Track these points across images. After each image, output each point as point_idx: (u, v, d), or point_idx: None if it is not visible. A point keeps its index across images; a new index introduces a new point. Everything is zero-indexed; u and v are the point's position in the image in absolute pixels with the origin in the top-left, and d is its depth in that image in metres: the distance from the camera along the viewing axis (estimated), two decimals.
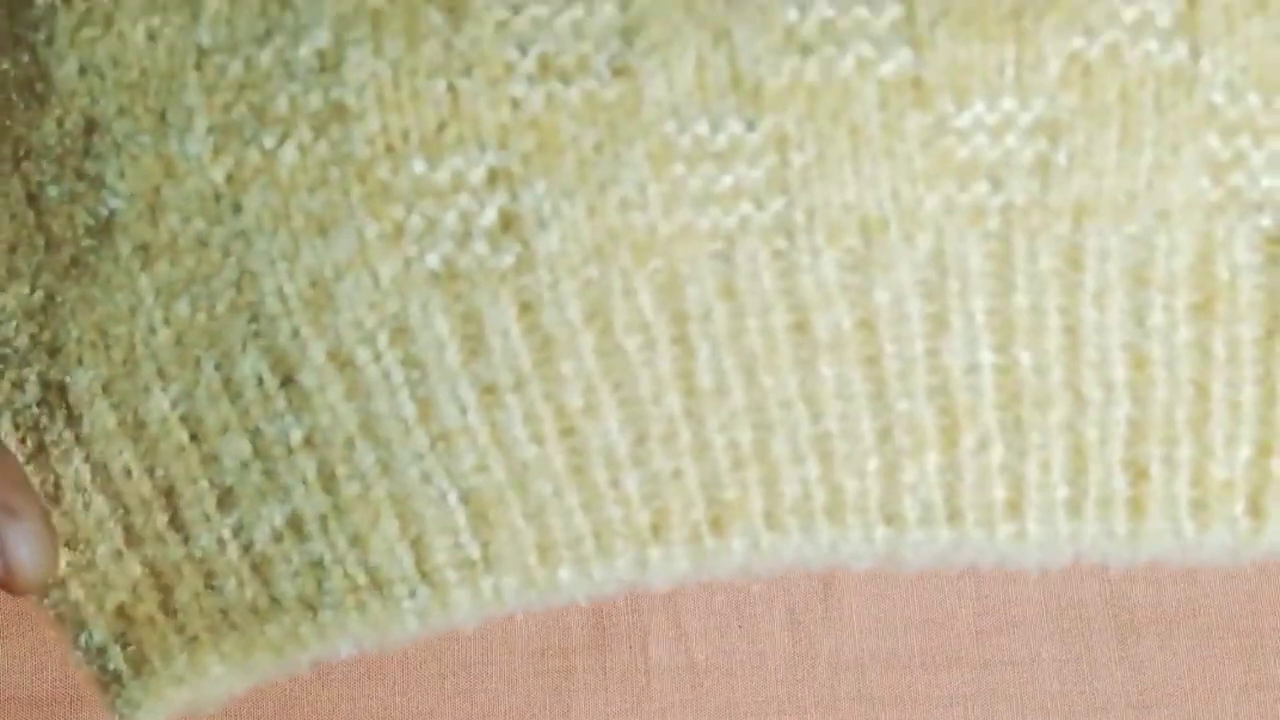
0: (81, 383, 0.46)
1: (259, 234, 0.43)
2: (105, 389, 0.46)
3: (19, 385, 0.47)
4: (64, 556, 0.48)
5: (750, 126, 0.43)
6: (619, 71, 0.42)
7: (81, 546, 0.48)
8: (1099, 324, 0.44)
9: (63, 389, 0.47)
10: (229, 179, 0.43)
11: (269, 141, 0.43)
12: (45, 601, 0.49)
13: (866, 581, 0.53)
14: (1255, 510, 0.45)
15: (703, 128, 0.42)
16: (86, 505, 0.48)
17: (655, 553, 0.46)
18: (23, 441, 0.48)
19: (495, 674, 0.53)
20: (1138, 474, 0.45)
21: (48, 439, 0.47)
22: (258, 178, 0.43)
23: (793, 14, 0.42)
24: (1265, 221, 0.43)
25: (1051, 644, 0.53)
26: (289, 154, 0.43)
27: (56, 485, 0.47)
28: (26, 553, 0.46)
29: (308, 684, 0.52)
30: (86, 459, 0.47)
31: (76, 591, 0.48)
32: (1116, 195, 0.43)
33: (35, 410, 0.47)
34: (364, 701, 0.53)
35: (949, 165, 0.43)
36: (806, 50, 0.42)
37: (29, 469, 0.47)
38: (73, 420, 0.47)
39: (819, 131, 0.42)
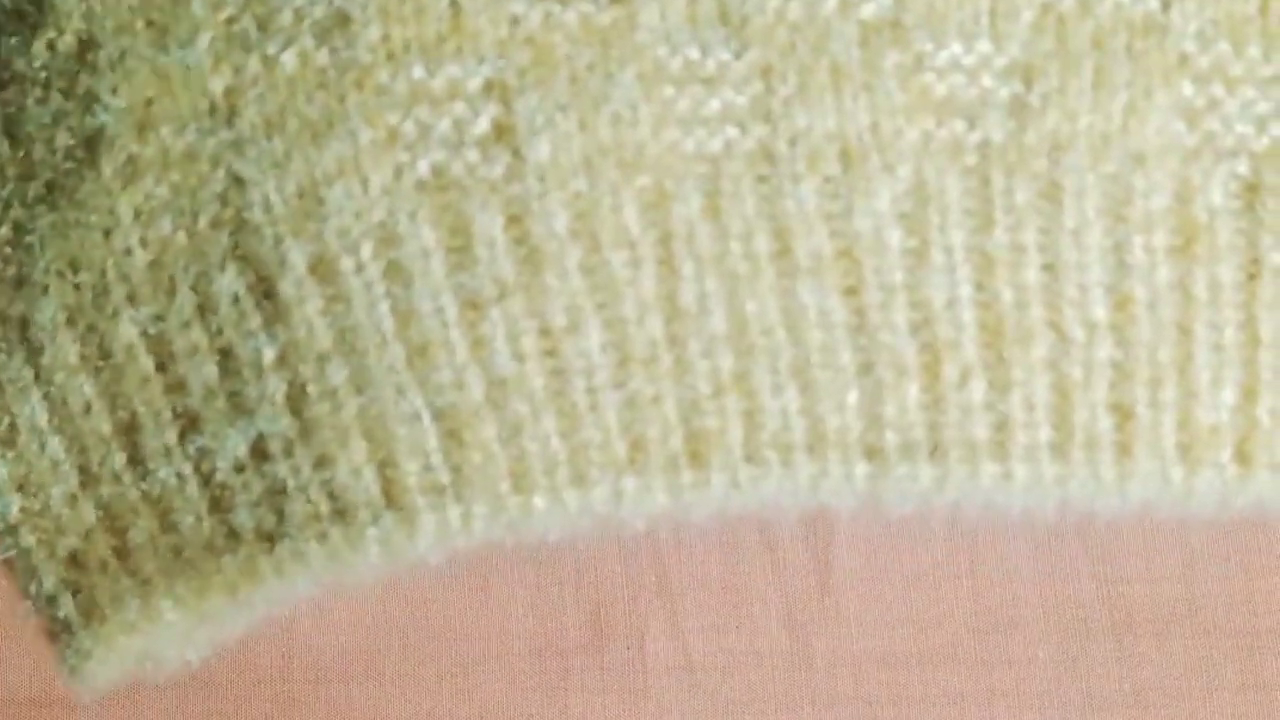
0: (45, 315, 0.45)
1: (252, 144, 0.44)
2: (70, 320, 0.45)
3: None
4: (15, 502, 0.46)
5: (737, 55, 0.44)
6: None
7: (34, 491, 0.46)
8: (1079, 262, 0.44)
9: (23, 324, 0.45)
10: (227, 90, 0.44)
11: (271, 49, 0.43)
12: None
13: (864, 580, 0.53)
14: (1242, 457, 0.44)
15: (693, 53, 0.44)
16: (42, 447, 0.46)
17: (631, 483, 0.44)
18: None
19: (492, 674, 0.52)
20: (1123, 416, 0.44)
21: (4, 378, 0.46)
22: (256, 86, 0.43)
23: None
24: (1241, 169, 0.44)
25: (1048, 643, 0.53)
26: (290, 61, 0.43)
27: (12, 427, 0.46)
28: None
29: (304, 685, 0.51)
30: (45, 397, 0.45)
31: (28, 538, 0.46)
32: (1091, 136, 0.44)
33: None
34: (361, 702, 0.52)
35: (927, 101, 0.44)
36: None
37: None
38: (32, 356, 0.45)
39: (801, 65, 0.44)
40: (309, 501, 0.44)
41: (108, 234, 0.45)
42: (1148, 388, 0.44)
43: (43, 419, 0.46)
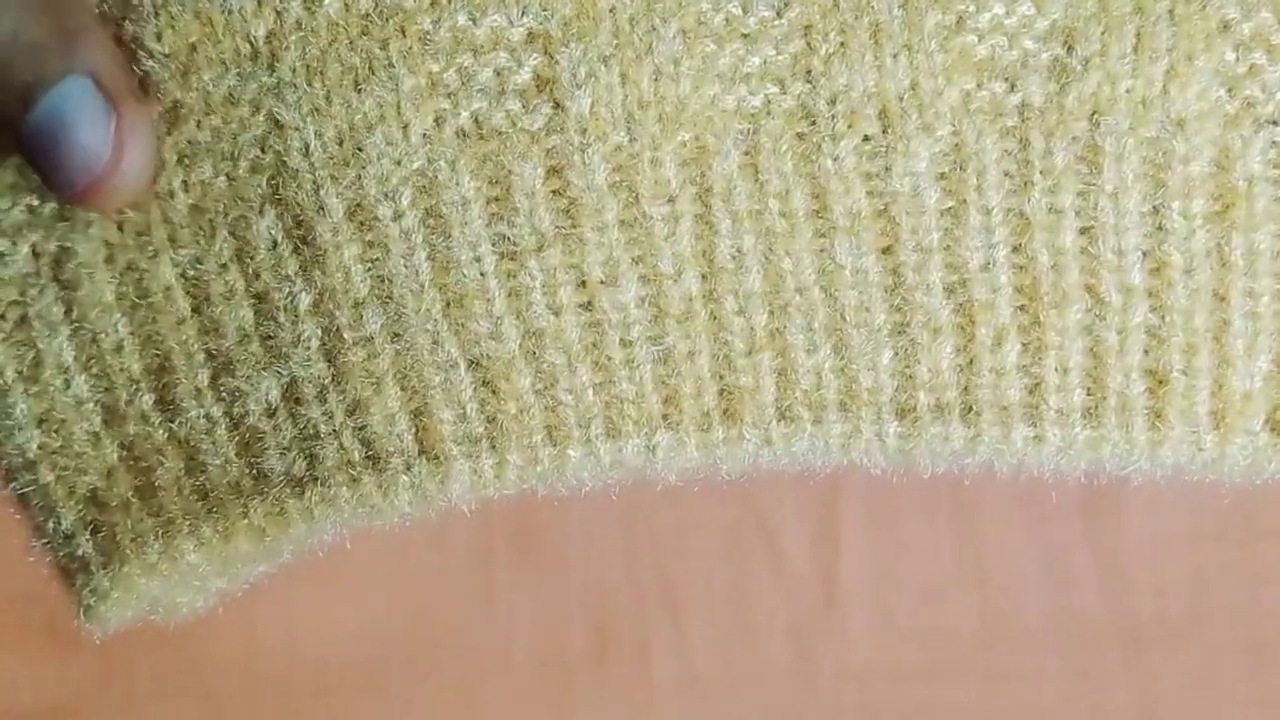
0: (84, 252, 0.43)
1: (292, 88, 0.42)
2: (110, 258, 0.43)
3: (4, 258, 0.44)
4: (35, 438, 0.44)
5: (779, 12, 0.42)
6: None
7: (55, 428, 0.44)
8: (1116, 225, 0.42)
9: (58, 260, 0.44)
10: (269, 34, 0.42)
11: None
12: (10, 486, 0.44)
13: (870, 593, 0.52)
14: (1274, 424, 0.42)
15: (735, 9, 0.42)
16: (67, 383, 0.44)
17: (664, 437, 0.42)
18: (2, 317, 0.44)
19: (495, 687, 0.51)
20: (1157, 381, 0.42)
21: (32, 312, 0.44)
22: (298, 31, 0.42)
23: None
24: None
25: (1056, 656, 0.52)
26: (333, 6, 0.42)
27: (36, 362, 0.44)
28: (140, 143, 0.41)
29: (307, 697, 0.50)
30: (74, 334, 0.44)
31: (47, 474, 0.44)
32: (1132, 99, 0.42)
33: (22, 281, 0.44)
34: (363, 714, 0.51)
35: (967, 62, 0.42)
36: None
37: (5, 345, 0.44)
38: (65, 291, 0.43)
39: (842, 23, 0.42)
40: (341, 447, 0.42)
41: (152, 176, 0.43)
42: (1182, 354, 0.42)
43: (69, 355, 0.44)
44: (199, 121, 0.42)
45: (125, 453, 0.44)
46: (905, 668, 0.52)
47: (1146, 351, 0.42)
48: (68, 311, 0.44)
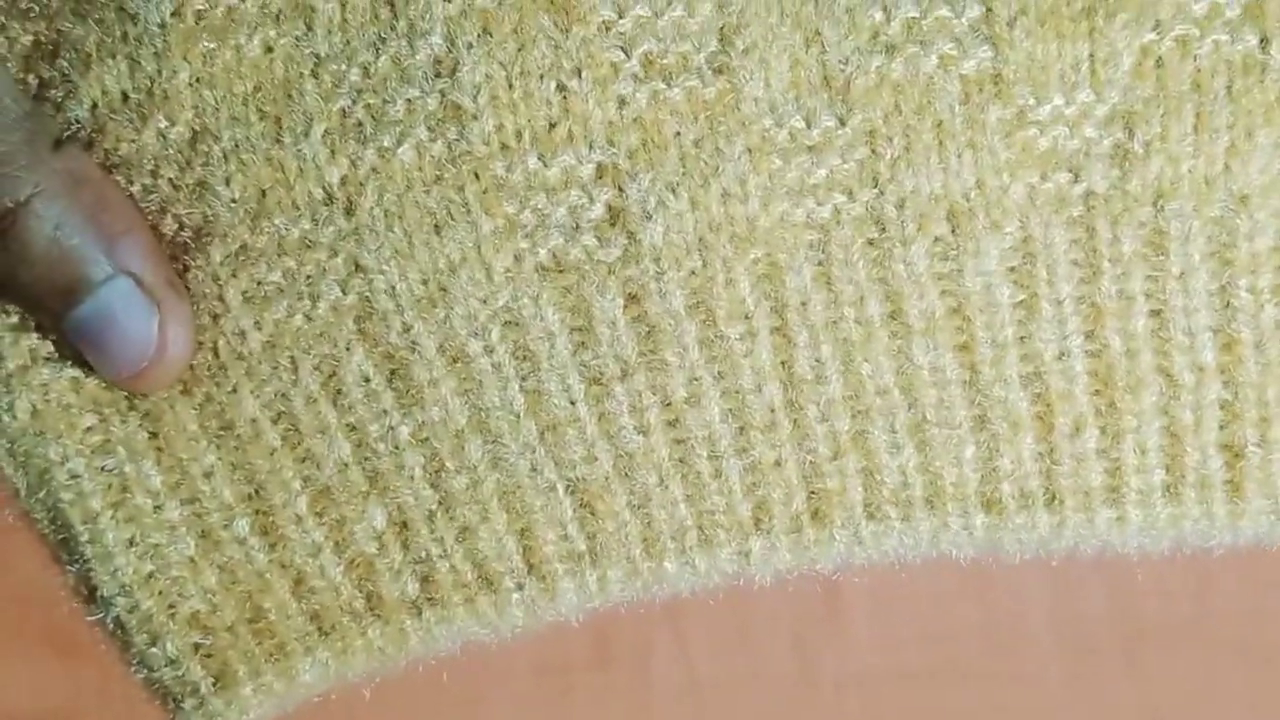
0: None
1: (372, 233, 0.43)
2: (186, 391, 0.44)
3: (78, 382, 0.44)
4: (128, 564, 0.44)
5: (842, 122, 0.42)
6: (719, 70, 0.42)
7: (150, 553, 0.44)
8: (1185, 307, 0.43)
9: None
10: (343, 180, 0.43)
11: (387, 142, 0.42)
12: (104, 615, 0.45)
13: (871, 597, 0.51)
14: None
15: (798, 122, 0.42)
16: (157, 509, 0.44)
17: (758, 543, 0.44)
18: (89, 430, 0.44)
19: (496, 693, 0.51)
20: (1234, 455, 0.43)
21: (115, 438, 0.44)
22: (373, 178, 0.43)
23: (878, 15, 0.42)
24: None
25: (1059, 659, 0.51)
26: (407, 154, 0.42)
27: (123, 485, 0.44)
28: (182, 336, 0.42)
29: (306, 703, 0.49)
30: (158, 462, 0.44)
31: (146, 601, 0.44)
32: (1195, 180, 0.42)
33: (99, 408, 0.44)
34: None
35: (1031, 156, 0.42)
36: (892, 49, 0.42)
37: (91, 461, 0.44)
38: (147, 420, 0.44)
39: (906, 125, 0.42)
40: (454, 570, 0.44)
41: (216, 318, 0.44)
42: (1256, 427, 0.43)
43: (156, 482, 0.44)
44: (270, 263, 0.43)
45: (226, 577, 0.45)
46: (907, 671, 0.51)
47: (1221, 427, 0.43)
48: (152, 437, 0.44)
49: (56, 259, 0.41)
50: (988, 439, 0.43)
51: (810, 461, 0.44)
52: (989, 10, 0.42)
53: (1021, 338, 0.43)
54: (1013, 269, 0.43)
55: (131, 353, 0.42)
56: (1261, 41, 0.42)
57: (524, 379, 0.43)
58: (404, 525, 0.44)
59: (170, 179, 0.43)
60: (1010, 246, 0.43)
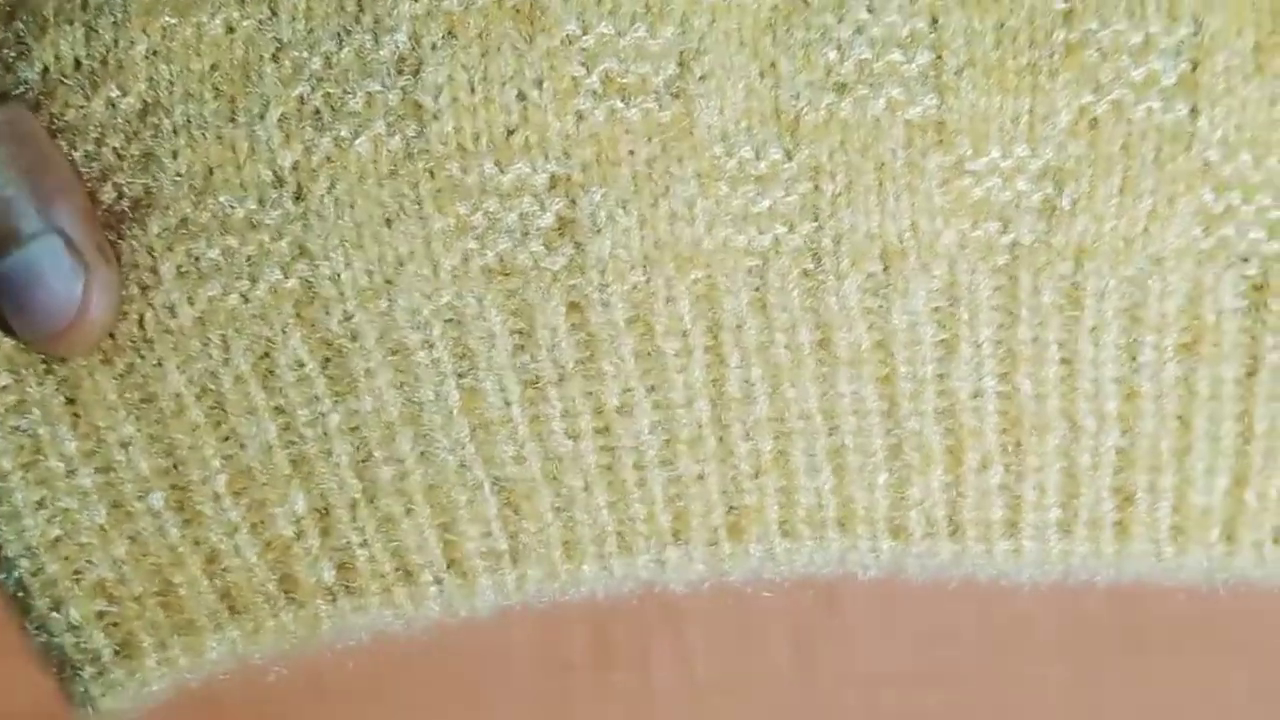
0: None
1: (320, 220, 0.43)
2: (106, 360, 0.43)
3: None
4: (36, 526, 0.44)
5: (789, 155, 0.44)
6: (676, 94, 0.43)
7: (59, 518, 0.44)
8: (1095, 358, 0.45)
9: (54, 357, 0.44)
10: (295, 166, 0.43)
11: (344, 132, 0.42)
12: (2, 577, 0.44)
13: (872, 598, 0.51)
14: (1229, 536, 0.46)
15: (747, 152, 0.43)
16: (70, 474, 0.44)
17: (674, 554, 0.45)
18: (4, 389, 0.43)
19: (495, 694, 0.51)
20: (1124, 499, 0.46)
21: (31, 399, 0.43)
22: (327, 166, 0.43)
23: (833, 54, 0.43)
24: (1250, 270, 0.45)
25: (1059, 660, 0.51)
26: (363, 146, 0.43)
27: (36, 447, 0.44)
28: (105, 301, 0.42)
29: (306, 703, 0.50)
30: (74, 427, 0.44)
31: (51, 564, 0.44)
32: (1115, 240, 0.44)
33: (15, 369, 0.43)
34: (364, 718, 0.50)
35: (964, 204, 0.44)
36: (843, 89, 0.43)
37: (3, 420, 0.43)
38: (64, 386, 0.43)
39: (849, 164, 0.44)
40: (373, 560, 0.45)
41: (145, 290, 0.43)
42: (1149, 474, 0.46)
43: (71, 448, 0.44)
44: (209, 240, 0.43)
45: (137, 548, 0.44)
46: (907, 672, 0.51)
47: (1116, 472, 0.46)
48: (69, 403, 0.44)
49: None
50: (900, 468, 0.45)
51: (732, 478, 0.45)
52: (938, 58, 0.43)
53: (940, 375, 0.45)
54: (937, 309, 0.45)
55: (53, 312, 0.41)
56: (1191, 112, 0.44)
57: (461, 376, 0.44)
58: (325, 512, 0.44)
59: (115, 148, 0.43)
60: (937, 288, 0.45)
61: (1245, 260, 0.45)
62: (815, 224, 0.44)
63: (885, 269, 0.44)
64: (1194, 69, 0.43)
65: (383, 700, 0.50)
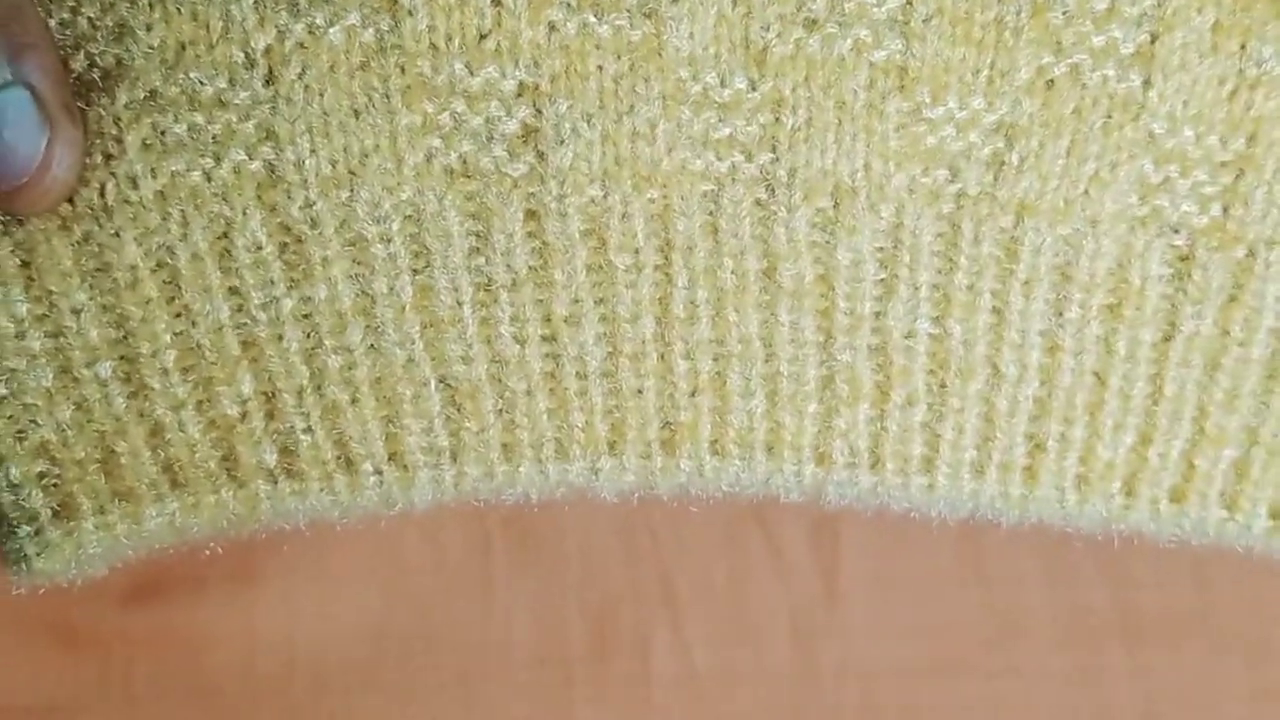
0: (40, 218, 0.43)
1: (289, 104, 0.43)
2: (64, 226, 0.43)
3: None
4: None
5: (753, 86, 0.44)
6: (647, 15, 0.43)
7: (6, 378, 0.44)
8: (1024, 310, 0.46)
9: (18, 220, 0.43)
10: (267, 50, 0.43)
11: (319, 20, 0.42)
12: None
13: (871, 590, 0.51)
14: (1129, 490, 0.48)
15: (712, 79, 0.44)
16: (19, 336, 0.44)
17: (608, 463, 0.46)
18: None
19: (495, 684, 0.50)
20: (1036, 446, 0.48)
21: None
22: (299, 52, 0.43)
23: None
24: (1179, 241, 0.46)
25: (1059, 653, 0.51)
26: (336, 35, 0.42)
27: None
28: (67, 160, 0.41)
29: (306, 693, 0.50)
30: (26, 290, 0.43)
31: None
32: (1057, 199, 0.46)
33: None
34: (362, 713, 0.50)
35: (917, 150, 0.45)
36: (812, 25, 0.44)
37: None
38: (20, 248, 0.43)
39: (811, 100, 0.44)
40: (315, 446, 0.45)
41: (108, 159, 0.43)
42: (1061, 425, 0.48)
43: (22, 310, 0.44)
44: (176, 115, 0.43)
45: (82, 414, 0.44)
46: (906, 665, 0.51)
47: (1031, 420, 0.48)
48: (24, 265, 0.43)
49: None
50: (830, 398, 0.47)
51: (669, 394, 0.46)
52: (909, 4, 0.44)
53: (876, 313, 0.46)
54: (880, 249, 0.46)
55: (13, 165, 0.41)
56: (1144, 83, 0.45)
57: (416, 273, 0.44)
58: (272, 395, 0.45)
59: (90, 18, 0.43)
60: (882, 229, 0.46)
61: (1175, 231, 0.47)
62: (772, 155, 0.45)
63: (835, 205, 0.45)
64: (1153, 41, 0.44)
65: (381, 692, 0.50)
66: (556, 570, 0.51)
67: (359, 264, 0.44)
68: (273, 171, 0.43)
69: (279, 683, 0.49)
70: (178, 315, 0.44)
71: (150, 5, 0.42)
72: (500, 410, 0.46)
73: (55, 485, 0.45)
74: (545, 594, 0.51)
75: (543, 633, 0.51)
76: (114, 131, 0.43)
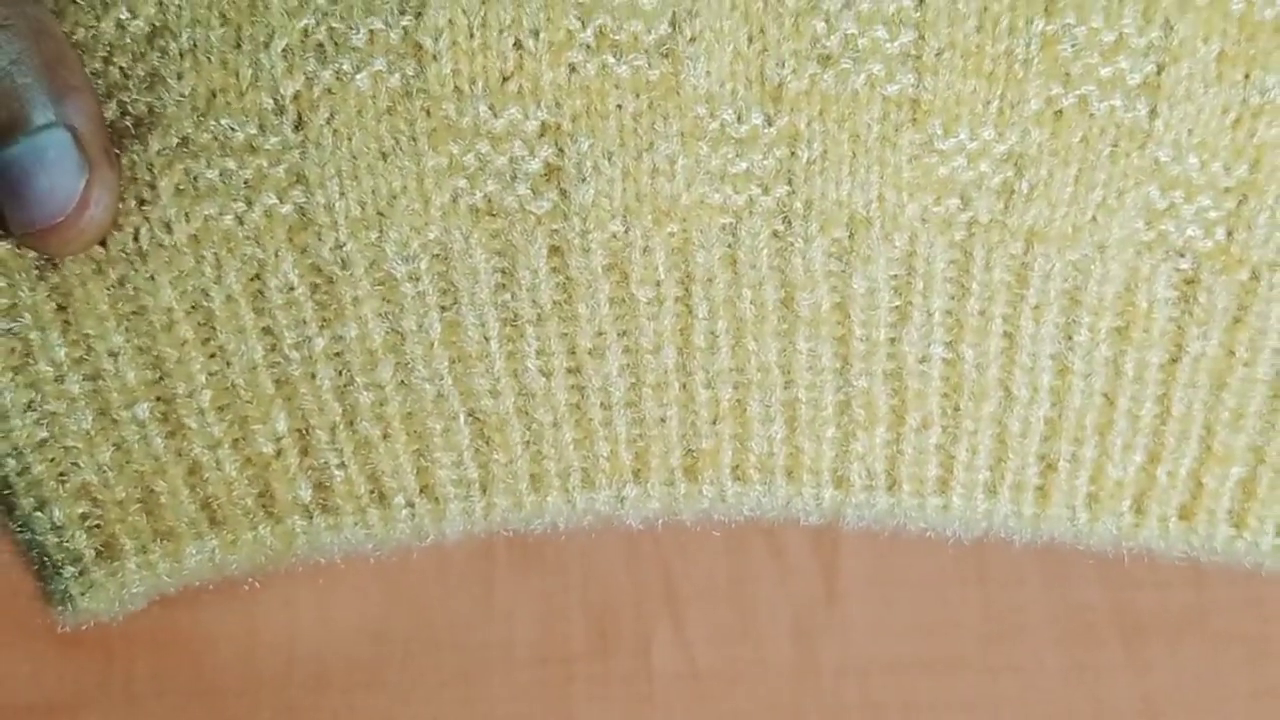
0: (76, 262, 0.44)
1: (318, 149, 0.43)
2: (99, 270, 0.44)
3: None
4: (23, 427, 0.44)
5: (769, 121, 0.45)
6: (665, 54, 0.44)
7: (47, 421, 0.45)
8: (1034, 334, 0.47)
9: (48, 263, 0.44)
10: (296, 96, 0.43)
11: (345, 66, 0.43)
12: None
13: (871, 588, 0.51)
14: (1138, 508, 0.49)
15: (729, 115, 0.45)
16: (59, 380, 0.44)
17: (633, 491, 0.47)
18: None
19: (496, 682, 0.50)
20: (1048, 466, 0.48)
21: (22, 304, 0.44)
22: (327, 98, 0.43)
23: (820, 25, 0.45)
24: (1184, 265, 0.47)
25: (1057, 650, 0.51)
26: (363, 81, 0.43)
27: (26, 350, 0.44)
28: (104, 202, 0.42)
29: (307, 693, 0.50)
30: (64, 334, 0.44)
31: (37, 465, 0.45)
32: (1065, 225, 0.46)
33: (9, 273, 0.44)
34: (363, 711, 0.50)
35: (929, 180, 0.46)
36: (826, 60, 0.45)
37: None
38: (57, 293, 0.44)
39: (826, 133, 0.45)
40: (349, 480, 0.46)
41: (142, 204, 0.44)
42: (1072, 445, 0.48)
43: (61, 353, 0.44)
44: (209, 160, 0.44)
45: (121, 456, 0.45)
46: (906, 663, 0.51)
47: (1042, 440, 0.48)
48: (60, 309, 0.44)
49: (5, 91, 0.40)
50: (847, 423, 0.48)
51: (691, 422, 0.47)
52: (921, 38, 0.45)
53: (891, 339, 0.47)
54: (895, 277, 0.47)
55: (51, 204, 0.41)
56: (1150, 112, 0.46)
57: (444, 310, 0.45)
58: (306, 432, 0.46)
59: (122, 67, 0.43)
60: (896, 258, 0.47)
61: (1181, 255, 0.47)
62: (788, 188, 0.46)
63: (850, 236, 0.46)
64: (1159, 71, 0.45)
65: (382, 690, 0.50)
66: (558, 569, 0.51)
67: (389, 302, 0.45)
68: (303, 214, 0.44)
69: (279, 681, 0.49)
70: (213, 356, 0.45)
71: (181, 55, 0.43)
72: (528, 442, 0.46)
73: (98, 526, 0.46)
74: (546, 593, 0.51)
75: (544, 632, 0.50)
76: (147, 177, 0.43)
